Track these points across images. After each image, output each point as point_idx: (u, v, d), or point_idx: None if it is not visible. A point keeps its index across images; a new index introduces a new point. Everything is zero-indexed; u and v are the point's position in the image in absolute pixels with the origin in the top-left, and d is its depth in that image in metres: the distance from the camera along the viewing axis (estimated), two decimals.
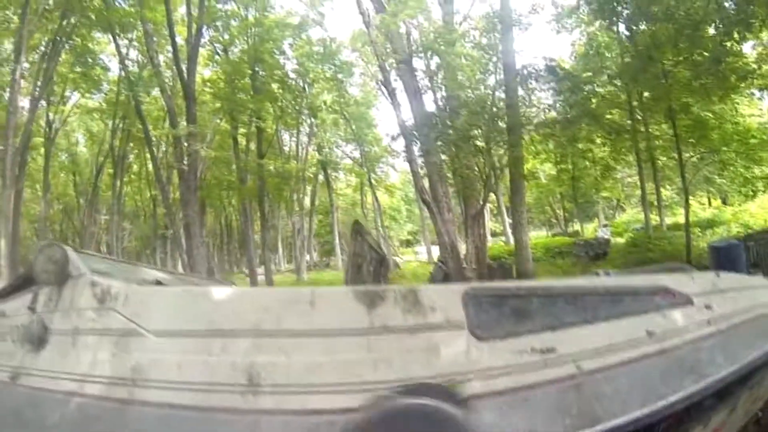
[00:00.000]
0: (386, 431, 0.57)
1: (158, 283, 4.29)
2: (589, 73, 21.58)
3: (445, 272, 19.45)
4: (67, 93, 32.97)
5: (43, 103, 27.83)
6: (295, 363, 1.98)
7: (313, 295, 2.20)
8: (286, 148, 38.31)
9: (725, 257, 10.18)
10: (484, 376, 1.93)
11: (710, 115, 18.51)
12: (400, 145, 19.42)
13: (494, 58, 19.14)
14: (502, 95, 18.11)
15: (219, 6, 26.14)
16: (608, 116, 16.58)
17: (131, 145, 35.15)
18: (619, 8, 16.28)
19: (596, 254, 20.41)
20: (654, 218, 23.77)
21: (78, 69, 29.05)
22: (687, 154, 18.80)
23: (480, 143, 16.39)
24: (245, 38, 27.44)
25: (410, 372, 1.95)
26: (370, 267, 5.16)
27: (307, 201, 41.89)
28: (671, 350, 2.22)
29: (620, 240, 24.69)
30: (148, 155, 30.44)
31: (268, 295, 2.91)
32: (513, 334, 2.03)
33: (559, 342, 2.03)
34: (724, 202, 29.05)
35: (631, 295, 2.38)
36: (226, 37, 27.82)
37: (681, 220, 20.05)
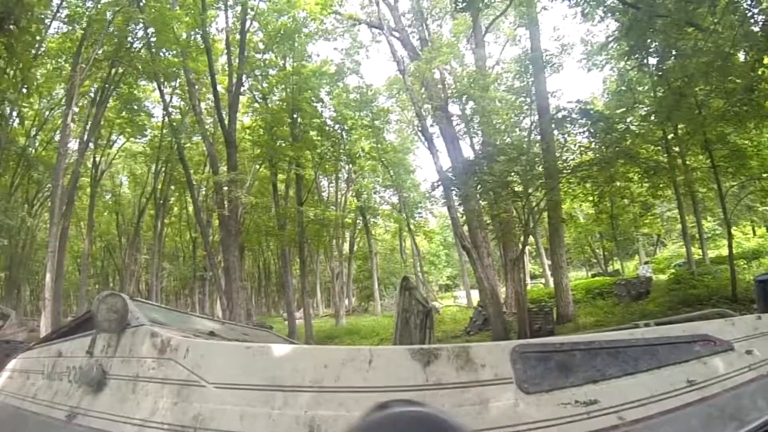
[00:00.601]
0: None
1: (212, 333, 4.47)
2: (623, 109, 21.56)
3: (485, 317, 19.28)
4: (113, 137, 34.55)
5: (91, 145, 28.99)
6: (355, 417, 2.02)
7: (371, 353, 2.33)
8: (325, 194, 38.67)
9: None
10: (532, 427, 2.02)
11: (747, 143, 18.20)
12: (438, 191, 19.51)
13: (528, 100, 19.29)
14: (538, 137, 18.19)
15: (258, 56, 26.99)
16: (644, 153, 16.38)
17: (173, 188, 36.11)
18: (650, 43, 16.26)
19: (638, 293, 19.89)
20: (696, 252, 23.20)
21: (124, 115, 30.38)
22: (726, 184, 18.47)
23: (518, 188, 16.40)
24: (283, 87, 28.01)
25: (464, 425, 2.06)
26: (417, 320, 5.23)
27: (346, 246, 41.98)
28: (712, 398, 2.26)
29: (662, 277, 24.08)
30: (188, 198, 31.24)
31: (328, 353, 3.03)
32: (558, 387, 2.12)
33: (602, 394, 2.11)
34: None
35: (671, 345, 2.42)
36: (265, 85, 28.54)
37: (724, 252, 19.53)
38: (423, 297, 5.29)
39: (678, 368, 2.31)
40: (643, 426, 2.05)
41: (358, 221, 41.10)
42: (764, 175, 18.45)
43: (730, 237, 17.23)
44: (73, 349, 4.07)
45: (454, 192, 18.37)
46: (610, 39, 19.97)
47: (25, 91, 22.64)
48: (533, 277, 45.21)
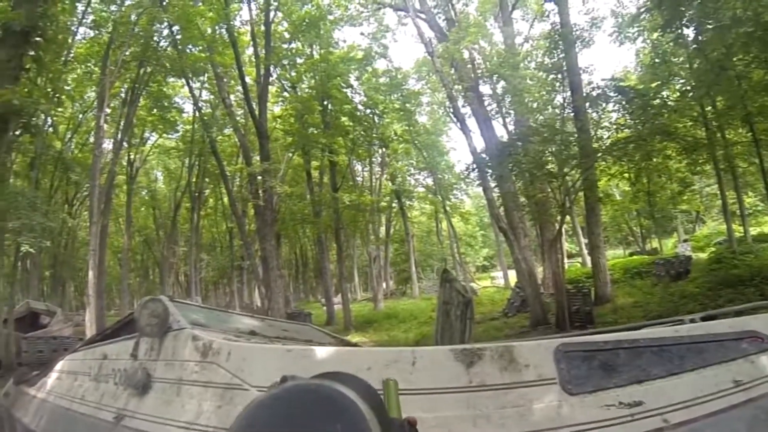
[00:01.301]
0: (283, 407, 0.60)
1: (252, 333, 4.54)
2: (658, 83, 20.96)
3: (523, 298, 19.17)
4: (146, 134, 35.21)
5: (125, 144, 29.52)
6: None
7: (414, 355, 2.34)
8: (359, 179, 38.60)
9: None
10: (576, 429, 2.00)
11: None
12: (473, 173, 19.34)
13: (559, 77, 18.92)
14: (571, 114, 17.87)
15: (284, 45, 27.02)
16: (681, 129, 15.89)
17: (207, 180, 36.59)
18: (684, 12, 15.68)
19: (677, 273, 19.43)
20: (737, 229, 22.52)
21: (155, 112, 30.96)
22: None
23: (553, 168, 16.14)
24: (312, 74, 28.01)
25: (507, 427, 2.06)
26: (457, 311, 5.24)
27: (382, 230, 42.09)
28: (759, 399, 2.19)
29: (702, 255, 23.45)
30: (223, 190, 31.65)
31: (371, 354, 3.05)
32: (601, 388, 2.11)
33: (646, 395, 2.08)
34: None
35: (718, 342, 2.36)
36: (294, 74, 28.59)
37: (767, 229, 18.93)
38: (463, 287, 5.30)
39: (724, 367, 2.26)
40: (688, 429, 2.02)
41: (393, 205, 41.15)
42: None
43: None
44: (117, 352, 4.19)
45: (488, 173, 18.20)
46: (642, 10, 19.41)
47: (56, 99, 23.15)
48: (570, 256, 44.57)
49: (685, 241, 28.54)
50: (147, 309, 3.74)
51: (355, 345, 6.32)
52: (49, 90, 22.14)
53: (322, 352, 2.78)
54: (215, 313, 5.71)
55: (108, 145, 27.70)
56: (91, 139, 26.31)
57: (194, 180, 35.52)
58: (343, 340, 6.09)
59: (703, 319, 3.09)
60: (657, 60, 23.67)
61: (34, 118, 18.51)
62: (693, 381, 2.17)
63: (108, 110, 25.20)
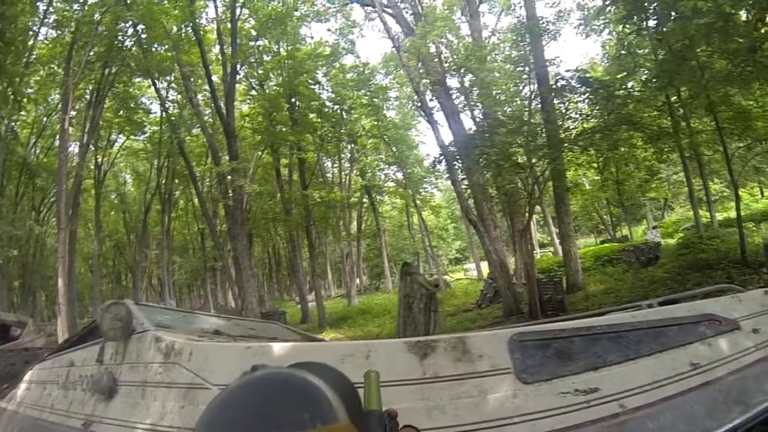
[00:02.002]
0: (253, 396, 0.62)
1: (217, 332, 4.49)
2: (624, 74, 21.26)
3: (496, 289, 19.33)
4: (113, 136, 34.54)
5: (92, 147, 28.95)
6: None
7: (368, 348, 2.32)
8: (329, 175, 38.61)
9: None
10: (531, 418, 2.00)
11: (753, 104, 17.89)
12: (442, 165, 19.42)
13: (526, 69, 19.09)
14: (539, 106, 18.04)
15: (251, 43, 26.80)
16: (647, 119, 16.14)
17: (176, 181, 36.13)
18: (647, 5, 15.91)
19: (647, 259, 19.81)
20: (704, 215, 23.01)
21: (122, 114, 30.36)
22: (733, 146, 18.23)
23: (521, 159, 16.29)
24: (279, 72, 27.95)
25: (461, 418, 2.05)
26: (420, 304, 5.24)
27: (353, 226, 42.11)
28: (717, 381, 2.19)
29: (671, 241, 23.95)
30: (193, 191, 31.28)
31: (327, 349, 3.04)
32: (557, 376, 2.10)
33: (602, 381, 2.08)
34: None
35: (675, 327, 2.36)
36: (261, 72, 28.45)
37: (732, 214, 19.34)
38: (426, 281, 5.33)
39: (682, 351, 2.26)
40: (645, 413, 2.02)
41: (364, 200, 41.17)
42: None
43: (738, 199, 16.96)
44: (84, 358, 4.12)
45: (457, 166, 18.28)
46: (606, 2, 19.65)
47: (16, 104, 22.63)
48: (542, 245, 45.16)
49: (654, 227, 29.06)
50: (110, 313, 3.67)
51: (320, 340, 6.29)
52: (9, 94, 21.57)
53: (279, 348, 2.76)
54: (181, 314, 5.63)
55: (74, 148, 27.22)
56: (57, 143, 25.79)
57: (164, 182, 35.01)
58: (309, 337, 6.06)
59: (661, 304, 3.11)
60: (623, 52, 24.00)
61: None
62: (650, 366, 2.17)
63: (73, 113, 24.69)
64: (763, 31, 14.28)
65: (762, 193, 30.23)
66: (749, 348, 2.42)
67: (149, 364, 3.20)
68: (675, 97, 18.60)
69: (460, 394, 2.10)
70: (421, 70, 20.00)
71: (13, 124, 25.72)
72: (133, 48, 25.26)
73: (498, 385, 2.10)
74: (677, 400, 2.08)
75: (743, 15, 14.89)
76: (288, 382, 0.73)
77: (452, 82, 20.57)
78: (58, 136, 24.46)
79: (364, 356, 2.25)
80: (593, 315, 3.54)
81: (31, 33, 23.49)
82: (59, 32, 24.62)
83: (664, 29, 16.55)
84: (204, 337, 3.85)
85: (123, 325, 3.60)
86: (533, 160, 16.08)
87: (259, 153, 31.48)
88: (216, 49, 25.77)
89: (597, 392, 2.04)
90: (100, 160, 33.08)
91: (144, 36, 23.93)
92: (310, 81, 28.14)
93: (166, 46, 24.50)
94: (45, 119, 31.08)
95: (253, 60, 27.54)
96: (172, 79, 28.41)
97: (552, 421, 2.01)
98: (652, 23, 17.72)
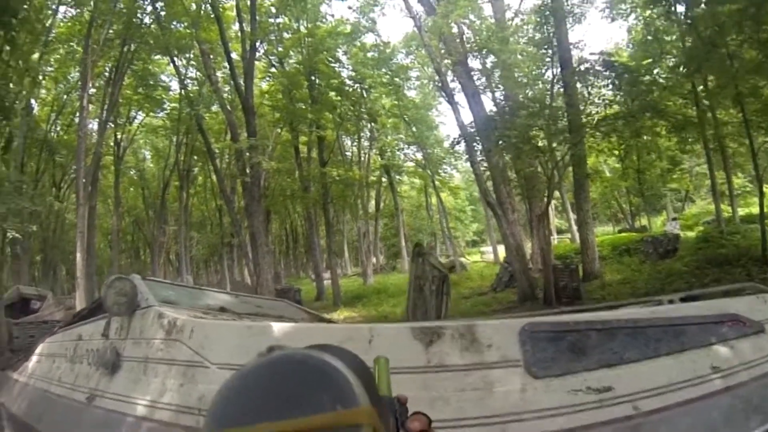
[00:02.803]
0: (268, 377, 0.56)
1: (222, 309, 4.45)
2: (650, 60, 20.80)
3: (511, 273, 19.21)
4: (132, 113, 34.63)
5: (111, 124, 29.12)
6: None
7: (371, 332, 2.23)
8: (348, 154, 38.47)
9: None
10: (538, 416, 1.89)
11: None
12: (461, 147, 19.25)
13: (549, 52, 18.73)
14: (561, 90, 17.73)
15: (270, 20, 26.57)
16: (672, 107, 15.78)
17: (195, 158, 36.20)
18: None
19: (665, 251, 19.51)
20: (726, 209, 22.58)
21: (141, 91, 30.48)
22: (759, 140, 17.79)
23: (542, 143, 16.05)
24: (299, 49, 27.71)
25: (465, 411, 1.94)
26: (432, 286, 5.13)
27: (371, 205, 42.04)
28: (738, 387, 2.07)
29: (690, 234, 23.56)
30: (212, 167, 31.37)
31: (328, 331, 2.97)
32: (569, 371, 1.98)
33: (617, 380, 1.95)
34: None
35: (697, 326, 2.22)
36: (281, 49, 28.23)
37: (755, 210, 18.95)
38: (439, 262, 5.22)
39: (702, 352, 2.13)
40: (659, 418, 1.89)
41: (383, 179, 41.07)
42: None
43: (762, 195, 16.48)
44: (91, 332, 4.14)
45: (476, 147, 18.09)
46: None
47: (32, 80, 22.74)
48: (560, 231, 44.85)
49: (674, 219, 28.62)
50: (113, 288, 3.65)
51: (329, 321, 6.24)
52: (26, 71, 21.66)
53: (279, 328, 2.70)
54: (187, 290, 5.62)
55: (93, 125, 27.35)
56: (77, 120, 25.93)
57: (182, 158, 35.09)
58: (317, 316, 6.01)
59: (683, 300, 2.95)
60: (649, 37, 23.49)
61: (7, 102, 18.11)
62: (668, 366, 2.04)
63: (92, 90, 24.86)
64: None
65: None
66: None
67: (151, 340, 3.19)
68: (702, 87, 18.18)
69: (466, 385, 2.00)
70: (442, 50, 19.72)
71: (32, 102, 25.91)
72: (152, 25, 25.18)
73: (506, 379, 1.99)
74: (695, 405, 1.95)
75: None
76: (306, 363, 0.67)
77: (474, 63, 20.34)
78: (77, 114, 24.52)
79: (366, 340, 2.16)
80: (610, 307, 3.41)
81: (50, 12, 23.57)
82: (78, 10, 24.64)
83: (693, 15, 16.12)
84: (209, 314, 3.82)
85: (128, 301, 3.58)
86: (554, 144, 15.85)
87: (278, 130, 31.30)
88: (235, 27, 25.55)
89: (611, 391, 1.92)
90: (119, 136, 33.36)
91: (163, 13, 23.89)
92: (330, 59, 27.87)
93: (185, 24, 24.39)
94: (65, 97, 31.25)
95: (272, 37, 27.23)
96: (191, 56, 28.28)
97: (562, 420, 1.90)
98: (681, 8, 17.28)
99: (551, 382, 2.00)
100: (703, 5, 15.50)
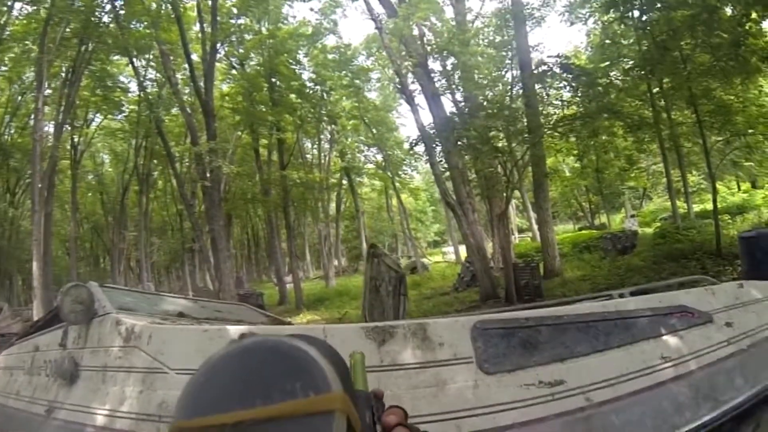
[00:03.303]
0: (239, 364, 0.57)
1: (181, 314, 4.40)
2: (607, 63, 21.29)
3: (473, 273, 19.40)
4: (90, 116, 33.75)
5: (68, 127, 28.31)
6: None
7: (325, 331, 2.24)
8: (309, 156, 38.36)
9: (756, 248, 9.74)
10: (492, 411, 1.93)
11: (733, 98, 18.05)
12: (420, 148, 19.35)
13: (509, 55, 18.99)
14: (520, 91, 17.99)
15: (232, 21, 26.30)
16: (628, 108, 16.20)
17: (155, 162, 35.50)
18: None
19: (624, 247, 20.06)
20: (681, 206, 23.29)
21: (99, 92, 29.59)
22: (712, 139, 18.38)
23: (501, 144, 16.27)
24: (260, 51, 27.51)
25: (419, 409, 1.97)
26: (389, 287, 5.15)
27: (332, 207, 42.00)
28: (687, 375, 2.13)
29: (648, 230, 24.25)
30: (171, 171, 30.90)
31: (283, 332, 2.97)
32: (521, 366, 2.01)
33: (568, 373, 2.00)
34: (754, 186, 28.22)
35: (647, 318, 2.29)
36: (242, 51, 27.99)
37: (710, 206, 19.60)
38: (395, 263, 5.25)
39: (652, 343, 2.19)
40: (611, 407, 1.94)
41: (343, 182, 41.00)
42: (749, 131, 18.25)
43: (715, 192, 17.19)
44: (48, 343, 4.04)
45: (436, 148, 18.22)
46: None
47: None
48: (521, 230, 45.58)
49: (632, 216, 29.39)
50: (70, 296, 3.57)
51: (287, 323, 6.22)
52: None
53: (236, 331, 2.69)
54: (146, 296, 5.54)
55: (49, 128, 26.59)
56: (31, 123, 25.20)
57: (142, 162, 34.32)
58: (276, 320, 5.98)
59: (633, 294, 3.03)
60: (607, 41, 24.03)
61: None
62: (619, 358, 2.09)
63: (48, 91, 24.14)
64: (747, 26, 14.34)
65: (739, 186, 30.54)
66: (721, 342, 2.36)
67: (110, 348, 3.14)
68: (657, 89, 18.69)
69: (419, 383, 2.02)
70: (403, 52, 19.79)
71: None
72: (111, 25, 24.42)
73: (459, 375, 2.02)
74: (645, 395, 2.00)
75: (728, 10, 14.97)
76: (277, 349, 0.66)
77: (434, 65, 20.45)
78: (32, 116, 23.83)
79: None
80: (562, 303, 3.49)
81: (4, 8, 22.86)
82: (34, 8, 23.78)
83: (648, 19, 16.58)
84: (167, 320, 3.77)
85: (84, 309, 3.50)
86: (513, 145, 16.07)
87: (239, 133, 31.00)
88: (196, 27, 25.23)
89: (562, 384, 1.97)
90: (76, 140, 32.38)
91: (122, 12, 23.29)
92: (291, 61, 27.79)
93: (145, 23, 23.90)
94: (19, 98, 30.36)
95: (233, 39, 27.03)
96: (151, 57, 27.78)
97: (515, 414, 1.93)
98: (636, 12, 17.74)
99: (503, 378, 2.04)
100: (657, 11, 15.95)
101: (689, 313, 2.36)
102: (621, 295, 3.01)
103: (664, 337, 2.24)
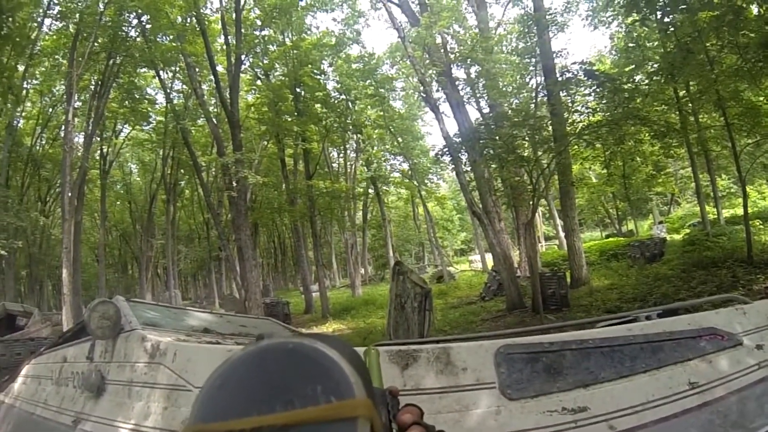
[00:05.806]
0: (256, 366, 0.54)
1: (206, 330, 4.44)
2: (632, 66, 21.02)
3: (499, 282, 19.26)
4: (118, 127, 34.62)
5: (97, 138, 28.98)
6: None
7: None
8: (335, 166, 38.57)
9: None
10: None
11: (762, 100, 17.62)
12: (446, 157, 19.31)
13: (533, 61, 18.87)
14: (545, 99, 17.85)
15: (256, 32, 26.65)
16: (655, 113, 15.92)
17: (182, 171, 36.17)
18: None
19: (652, 255, 19.67)
20: (711, 211, 22.84)
21: (127, 104, 30.28)
22: (741, 143, 17.99)
23: (526, 152, 16.14)
24: (284, 62, 27.79)
25: None
26: (414, 303, 5.13)
27: (359, 216, 42.17)
28: (715, 402, 2.06)
29: (676, 237, 23.80)
30: (198, 181, 31.32)
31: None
32: (544, 392, 1.98)
33: (592, 400, 1.95)
34: None
35: (674, 341, 2.22)
36: (266, 62, 28.31)
37: (740, 211, 19.18)
38: (420, 279, 5.23)
39: (679, 368, 2.11)
40: None
41: (369, 190, 41.11)
42: None
43: (746, 196, 16.65)
44: (76, 354, 4.11)
45: (461, 158, 18.17)
46: None
47: (13, 98, 22.73)
48: (548, 238, 45.16)
49: (660, 223, 28.97)
50: (97, 312, 3.64)
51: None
52: (9, 90, 21.65)
53: None
54: (172, 311, 5.59)
55: (79, 139, 27.22)
56: (62, 134, 25.83)
57: (169, 172, 34.97)
58: (302, 335, 6.00)
59: (660, 315, 2.95)
60: (631, 44, 23.77)
61: None
62: (645, 383, 2.04)
63: (78, 103, 24.73)
64: None
65: None
66: (752, 366, 2.28)
67: (135, 364, 3.18)
68: (684, 92, 18.38)
69: (441, 408, 2.00)
70: (426, 61, 19.81)
71: (17, 119, 25.80)
72: (137, 38, 25.11)
73: (481, 400, 2.00)
74: (672, 422, 1.94)
75: (755, 9, 14.66)
76: (298, 352, 0.63)
77: (458, 73, 20.45)
78: (63, 127, 24.42)
79: None
80: (586, 323, 3.44)
81: (35, 24, 23.52)
82: (63, 23, 24.58)
83: (671, 21, 16.31)
84: (192, 336, 3.81)
85: (111, 324, 3.56)
86: (538, 153, 15.93)
87: (264, 143, 31.36)
88: (221, 39, 25.66)
89: (586, 411, 1.93)
90: (105, 150, 33.23)
91: (148, 26, 23.78)
92: (315, 71, 27.96)
93: (171, 37, 24.36)
94: (50, 110, 31.25)
95: (258, 50, 27.39)
96: (177, 69, 28.34)
97: None
98: (659, 14, 17.49)
99: (526, 404, 2.00)
100: (680, 12, 15.66)
101: (718, 336, 2.29)
102: (648, 317, 2.93)
103: (692, 362, 2.17)
